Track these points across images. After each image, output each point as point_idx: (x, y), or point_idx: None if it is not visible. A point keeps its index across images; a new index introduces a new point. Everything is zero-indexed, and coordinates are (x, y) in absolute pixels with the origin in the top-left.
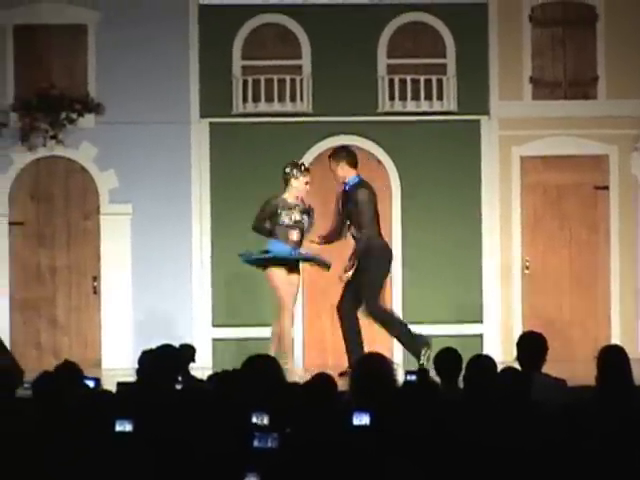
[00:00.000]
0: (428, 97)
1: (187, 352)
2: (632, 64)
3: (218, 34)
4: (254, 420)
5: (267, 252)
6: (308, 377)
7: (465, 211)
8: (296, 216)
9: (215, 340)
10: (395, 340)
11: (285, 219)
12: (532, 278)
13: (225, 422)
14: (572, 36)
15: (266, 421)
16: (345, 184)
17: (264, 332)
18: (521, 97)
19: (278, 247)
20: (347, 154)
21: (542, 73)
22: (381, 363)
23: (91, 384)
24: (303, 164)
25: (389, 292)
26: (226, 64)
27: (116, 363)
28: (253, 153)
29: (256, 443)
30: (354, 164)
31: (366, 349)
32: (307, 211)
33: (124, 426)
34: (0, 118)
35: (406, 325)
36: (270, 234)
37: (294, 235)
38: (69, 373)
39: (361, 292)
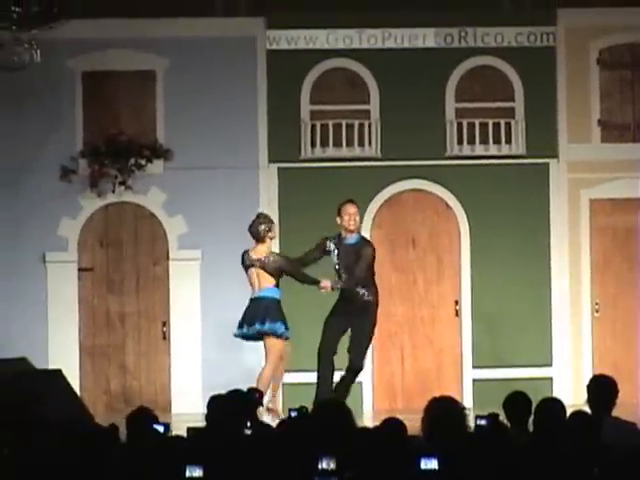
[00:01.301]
0: (496, 141)
1: (255, 396)
2: None
3: (286, 79)
4: (321, 465)
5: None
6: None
7: (534, 254)
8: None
9: (285, 384)
10: (464, 384)
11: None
12: (602, 321)
13: (292, 467)
14: None
15: (333, 465)
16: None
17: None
18: (590, 140)
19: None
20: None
21: (610, 116)
22: (452, 407)
23: (161, 429)
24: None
25: (459, 336)
26: (294, 109)
27: (186, 408)
28: (321, 198)
29: None
30: None
31: (436, 394)
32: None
33: (194, 472)
34: (69, 165)
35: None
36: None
37: None
38: (142, 419)
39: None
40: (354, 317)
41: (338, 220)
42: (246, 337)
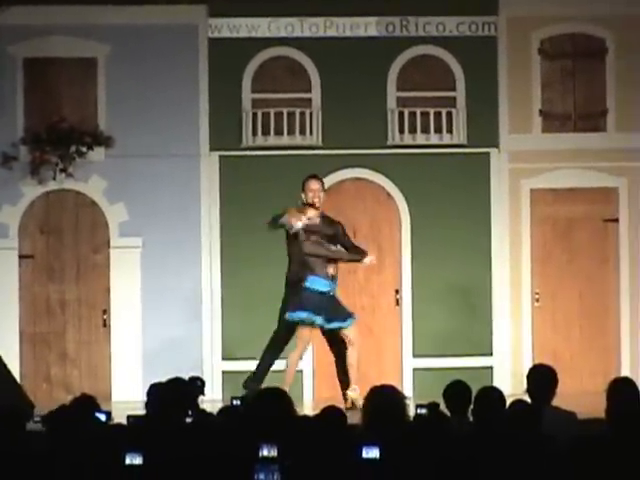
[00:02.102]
0: (438, 130)
1: (197, 385)
2: None
3: (228, 67)
4: (263, 452)
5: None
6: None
7: (475, 244)
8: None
9: (225, 373)
10: (404, 373)
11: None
12: (542, 311)
13: (234, 455)
14: (581, 69)
15: (274, 453)
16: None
17: (275, 365)
18: (531, 130)
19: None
20: None
21: (552, 106)
22: (392, 396)
23: (102, 417)
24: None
25: (399, 325)
26: (236, 97)
27: (126, 396)
28: (263, 186)
29: (260, 476)
30: None
31: (377, 382)
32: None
33: (134, 459)
34: (10, 151)
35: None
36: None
37: (330, 269)
38: (84, 407)
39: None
40: None
41: (302, 196)
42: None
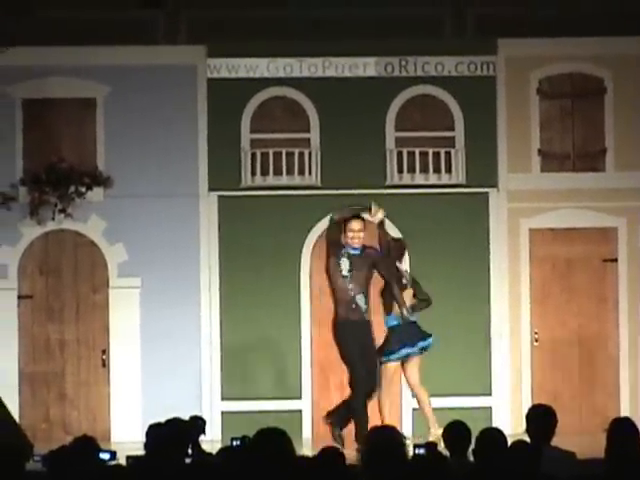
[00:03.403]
0: (436, 170)
1: (197, 424)
2: None
3: (226, 107)
4: None
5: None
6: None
7: (474, 284)
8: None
9: (224, 413)
10: (403, 413)
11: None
12: (541, 350)
13: None
14: (580, 108)
15: None
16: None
17: (273, 405)
18: (530, 169)
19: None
20: None
21: (550, 145)
22: (391, 436)
23: (106, 457)
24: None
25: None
26: (235, 137)
27: (125, 437)
28: (262, 226)
29: None
30: None
31: (376, 422)
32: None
33: None
34: (9, 192)
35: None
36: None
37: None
38: (85, 447)
39: None
40: None
41: (342, 238)
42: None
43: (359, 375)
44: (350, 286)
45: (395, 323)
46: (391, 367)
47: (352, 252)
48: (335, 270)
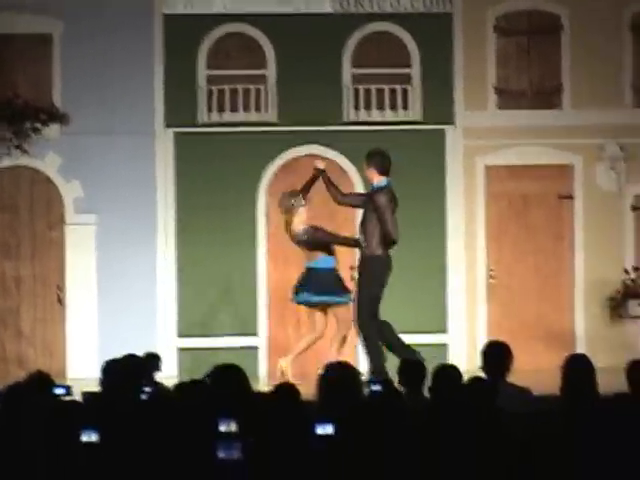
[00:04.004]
0: (393, 107)
1: (152, 361)
2: (597, 73)
3: (183, 44)
4: (222, 428)
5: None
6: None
7: (430, 221)
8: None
9: (181, 350)
10: (359, 349)
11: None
12: (497, 287)
13: (191, 431)
14: (537, 45)
15: (234, 428)
16: (372, 187)
17: (229, 342)
18: (486, 107)
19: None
20: (378, 158)
21: (507, 83)
22: (347, 373)
23: (61, 391)
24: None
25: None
26: (191, 74)
27: (81, 373)
28: (218, 163)
29: (221, 453)
30: (382, 170)
31: (333, 359)
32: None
33: (90, 436)
34: None
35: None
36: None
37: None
38: (39, 383)
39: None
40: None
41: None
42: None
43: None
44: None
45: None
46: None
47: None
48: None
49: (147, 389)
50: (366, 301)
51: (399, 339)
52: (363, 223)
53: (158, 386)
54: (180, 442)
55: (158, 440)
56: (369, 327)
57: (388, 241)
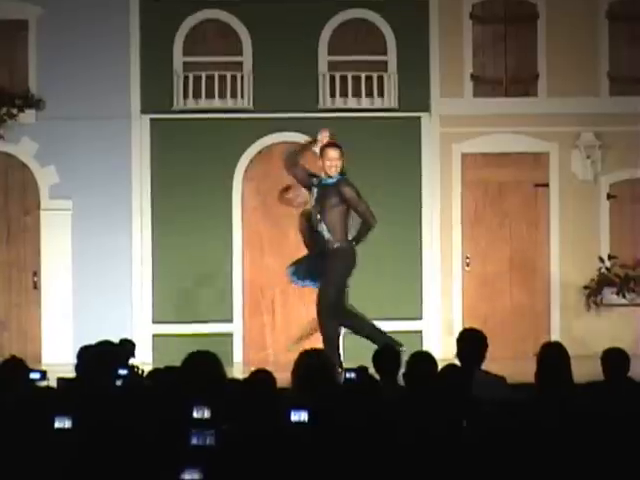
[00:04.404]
0: (369, 94)
1: (127, 347)
2: (573, 62)
3: (159, 30)
4: (195, 414)
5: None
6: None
7: (405, 208)
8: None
9: (155, 336)
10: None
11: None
12: (472, 274)
13: (165, 417)
14: (513, 33)
15: (207, 415)
16: (330, 177)
17: (204, 328)
18: (462, 94)
19: None
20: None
21: (483, 70)
22: (322, 360)
23: (37, 376)
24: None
25: None
26: (167, 60)
27: (56, 358)
28: (194, 149)
29: (194, 441)
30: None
31: (308, 346)
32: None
33: (63, 423)
34: None
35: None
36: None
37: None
38: (14, 369)
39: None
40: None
41: (320, 163)
42: None
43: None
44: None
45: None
46: None
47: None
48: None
49: (122, 372)
50: (332, 292)
51: (374, 327)
52: (324, 214)
53: (133, 370)
54: (154, 428)
55: (132, 426)
56: (330, 317)
57: (368, 228)
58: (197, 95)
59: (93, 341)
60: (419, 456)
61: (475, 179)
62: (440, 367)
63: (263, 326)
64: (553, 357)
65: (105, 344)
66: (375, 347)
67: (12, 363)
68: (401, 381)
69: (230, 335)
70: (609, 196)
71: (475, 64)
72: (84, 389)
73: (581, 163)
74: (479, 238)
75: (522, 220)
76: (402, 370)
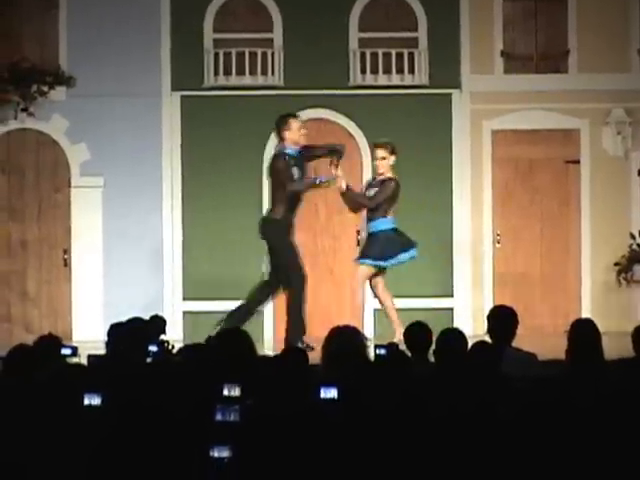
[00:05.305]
0: (400, 71)
1: (157, 324)
2: (603, 38)
3: (190, 6)
4: (225, 392)
5: None
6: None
7: (436, 185)
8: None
9: (186, 313)
10: (365, 314)
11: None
12: (503, 252)
13: (195, 395)
14: (543, 9)
15: (237, 392)
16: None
17: (235, 305)
18: (492, 71)
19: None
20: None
21: (513, 47)
22: (352, 336)
23: (68, 352)
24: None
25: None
26: (198, 37)
27: (87, 335)
28: (224, 126)
29: (219, 416)
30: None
31: (337, 322)
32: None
33: (93, 400)
34: None
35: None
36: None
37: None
38: (47, 346)
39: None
40: None
41: (287, 135)
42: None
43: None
44: None
45: (385, 227)
46: (365, 270)
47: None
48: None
49: (152, 348)
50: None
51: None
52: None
53: (163, 347)
54: (183, 406)
55: (161, 403)
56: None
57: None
58: (227, 72)
59: (123, 318)
60: (449, 433)
61: (506, 156)
62: (470, 344)
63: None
64: (584, 334)
65: (136, 321)
66: (407, 324)
67: (48, 340)
68: (432, 358)
69: (261, 312)
70: None
71: (505, 40)
72: (114, 366)
73: (612, 139)
74: (510, 215)
75: (553, 197)
76: (433, 347)
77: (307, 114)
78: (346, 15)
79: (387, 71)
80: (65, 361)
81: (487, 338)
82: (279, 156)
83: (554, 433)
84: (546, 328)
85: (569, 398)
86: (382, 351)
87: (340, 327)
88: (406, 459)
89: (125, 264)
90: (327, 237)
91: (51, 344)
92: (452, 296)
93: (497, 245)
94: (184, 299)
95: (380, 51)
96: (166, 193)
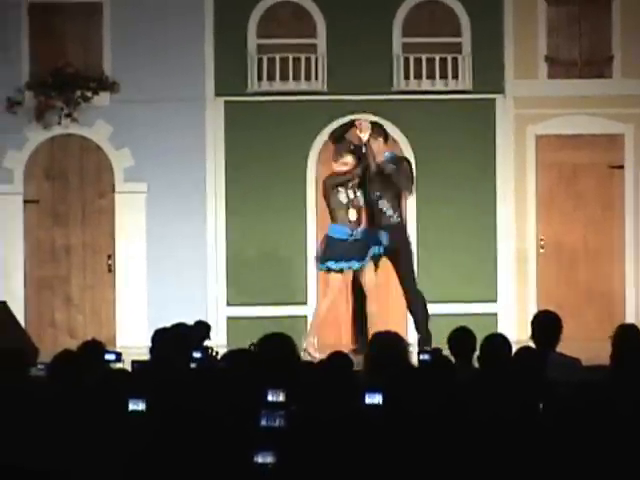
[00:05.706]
0: (443, 76)
1: (201, 329)
2: None
3: (234, 12)
4: (270, 398)
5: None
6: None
7: (480, 190)
8: (350, 194)
9: (230, 318)
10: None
11: (341, 197)
12: (547, 257)
13: (239, 400)
14: (587, 14)
15: (282, 398)
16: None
17: (278, 311)
18: (536, 76)
19: (336, 230)
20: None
21: (557, 52)
22: (395, 342)
23: (112, 357)
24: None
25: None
26: (241, 42)
27: (130, 341)
28: (268, 131)
29: (263, 422)
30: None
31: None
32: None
33: (137, 405)
34: (15, 96)
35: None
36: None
37: (352, 214)
38: (91, 352)
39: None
40: None
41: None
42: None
43: None
44: None
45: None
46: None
47: None
48: None
49: (196, 354)
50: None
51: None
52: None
53: (207, 352)
54: (228, 411)
55: (205, 409)
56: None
57: None
58: (271, 77)
59: (167, 324)
60: (493, 438)
61: (549, 161)
62: (515, 349)
63: (336, 307)
64: (628, 339)
65: (180, 326)
66: (451, 329)
67: (91, 345)
68: (476, 363)
69: (304, 318)
70: None
71: (549, 45)
72: (158, 372)
73: None
74: (553, 220)
75: (597, 202)
76: (477, 353)
77: (350, 119)
78: (390, 20)
79: (431, 76)
80: (109, 367)
81: (531, 343)
82: (402, 160)
83: (598, 438)
84: (591, 333)
85: (612, 404)
86: (426, 356)
87: (382, 333)
88: (450, 464)
89: (169, 269)
90: None
91: (95, 350)
92: (496, 301)
93: (541, 250)
94: (228, 304)
95: (424, 56)
96: (210, 198)
